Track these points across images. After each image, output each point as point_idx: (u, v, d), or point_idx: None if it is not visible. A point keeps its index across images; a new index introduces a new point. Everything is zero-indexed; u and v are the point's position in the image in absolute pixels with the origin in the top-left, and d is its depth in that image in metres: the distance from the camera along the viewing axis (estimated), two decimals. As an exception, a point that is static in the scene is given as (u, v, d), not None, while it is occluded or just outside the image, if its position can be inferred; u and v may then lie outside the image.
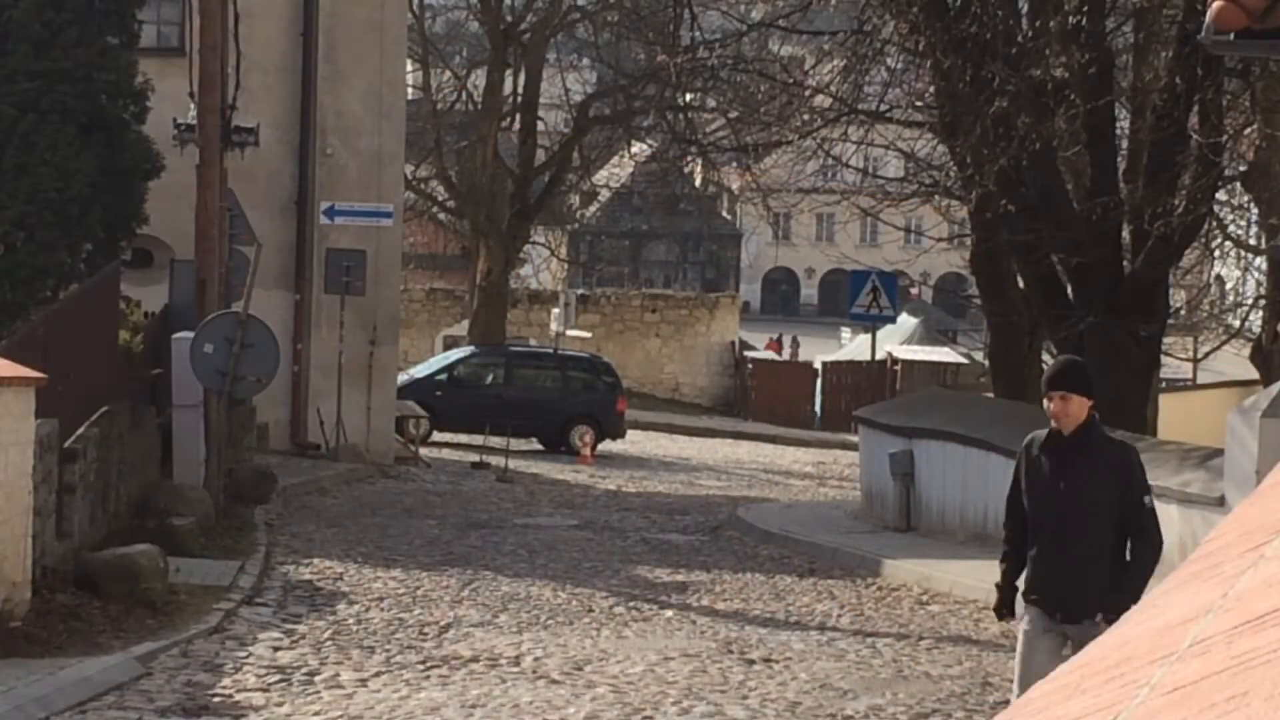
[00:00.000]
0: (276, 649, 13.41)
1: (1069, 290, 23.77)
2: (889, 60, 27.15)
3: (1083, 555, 8.90)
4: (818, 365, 51.48)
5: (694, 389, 53.00)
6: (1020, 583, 9.42)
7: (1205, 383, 37.94)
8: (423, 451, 31.96)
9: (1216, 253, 33.40)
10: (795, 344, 63.01)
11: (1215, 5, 7.75)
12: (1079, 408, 8.93)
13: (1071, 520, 8.92)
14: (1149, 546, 8.95)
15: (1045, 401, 9.00)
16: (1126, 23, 24.91)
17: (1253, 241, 32.21)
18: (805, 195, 32.13)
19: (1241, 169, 27.01)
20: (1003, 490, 23.19)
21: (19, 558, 13.19)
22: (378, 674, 12.63)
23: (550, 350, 40.61)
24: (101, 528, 16.62)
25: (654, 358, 52.92)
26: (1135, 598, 7.57)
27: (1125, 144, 24.33)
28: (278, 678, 12.38)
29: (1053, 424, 9.00)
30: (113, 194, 20.86)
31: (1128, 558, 9.00)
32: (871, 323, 31.65)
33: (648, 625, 15.25)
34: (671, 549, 21.16)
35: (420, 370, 38.91)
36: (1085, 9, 21.83)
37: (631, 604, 16.31)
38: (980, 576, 18.07)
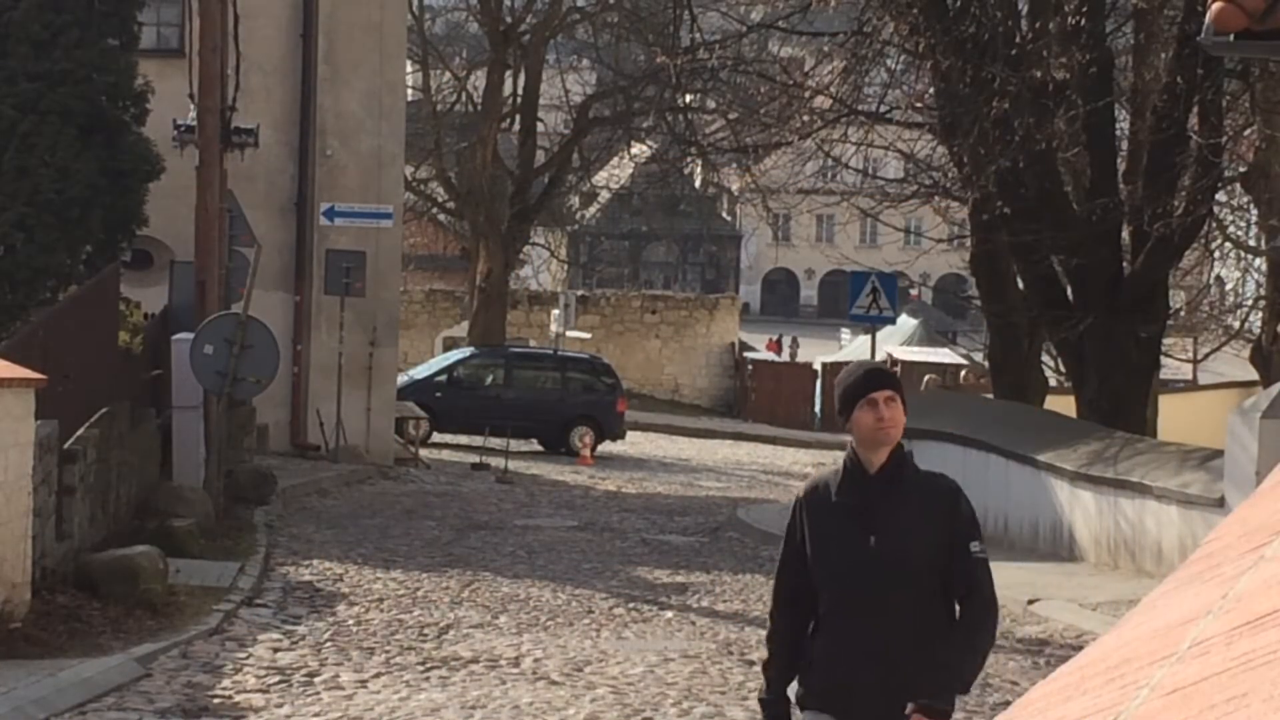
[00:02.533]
0: (276, 650, 13.41)
1: (1069, 291, 23.78)
2: (889, 61, 27.17)
3: (903, 636, 6.24)
4: (817, 366, 51.49)
5: (694, 390, 53.01)
6: (794, 691, 6.64)
7: (1205, 384, 37.94)
8: (422, 453, 31.96)
9: (1216, 254, 33.42)
10: (795, 345, 63.00)
11: (1215, 6, 7.75)
12: (902, 417, 6.36)
13: (887, 588, 6.25)
14: (983, 610, 6.36)
15: (859, 413, 6.29)
16: (1126, 24, 24.93)
17: (1252, 242, 32.22)
18: (805, 196, 32.13)
19: (1241, 170, 27.03)
20: (1003, 491, 23.29)
21: (19, 559, 13.19)
22: (377, 675, 12.63)
23: (550, 351, 40.62)
24: (101, 529, 16.62)
25: (654, 359, 52.94)
26: (967, 680, 6.42)
27: (1125, 145, 24.34)
28: (277, 679, 12.38)
29: (853, 457, 6.34)
30: (112, 195, 20.86)
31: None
32: (871, 324, 31.59)
33: (647, 626, 15.25)
34: (671, 550, 21.16)
35: (420, 371, 38.93)
36: (1085, 10, 21.84)
37: (631, 605, 16.31)
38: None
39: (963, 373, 45.33)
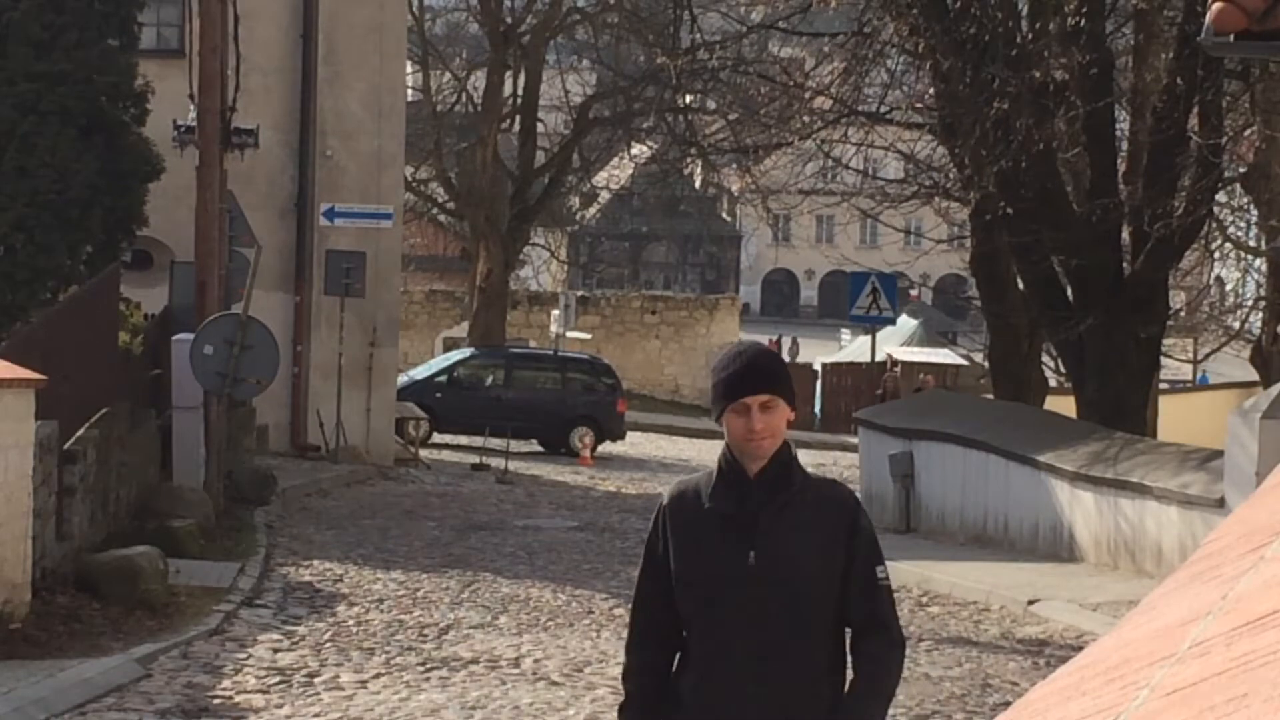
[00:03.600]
0: (276, 651, 13.41)
1: (1069, 292, 23.78)
2: (889, 62, 27.18)
3: (788, 675, 5.14)
4: (817, 367, 51.50)
5: (694, 390, 52.99)
6: None
7: (1205, 384, 37.94)
8: (422, 453, 31.96)
9: (1216, 254, 33.43)
10: (795, 346, 63.02)
11: (1215, 7, 7.75)
12: (782, 423, 5.24)
13: (770, 616, 5.11)
14: (889, 649, 5.23)
15: (729, 417, 5.17)
16: (1126, 24, 24.93)
17: (1252, 243, 32.23)
18: (805, 197, 32.14)
19: (1241, 170, 27.04)
20: (1003, 491, 23.29)
21: (19, 559, 13.19)
22: (377, 676, 12.63)
23: (550, 352, 40.63)
24: (101, 529, 16.62)
25: (654, 359, 52.95)
26: None
27: (1125, 146, 24.34)
28: (278, 679, 12.38)
29: (728, 457, 5.23)
30: (113, 196, 20.86)
31: (850, 669, 5.25)
32: (871, 324, 31.68)
33: (648, 627, 15.24)
34: (671, 551, 21.14)
35: (420, 372, 38.93)
36: (1085, 11, 21.84)
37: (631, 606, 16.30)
38: (980, 578, 18.08)
39: (934, 373, 45.28)
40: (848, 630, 5.25)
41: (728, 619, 5.16)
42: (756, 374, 5.20)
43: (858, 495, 5.45)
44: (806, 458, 34.62)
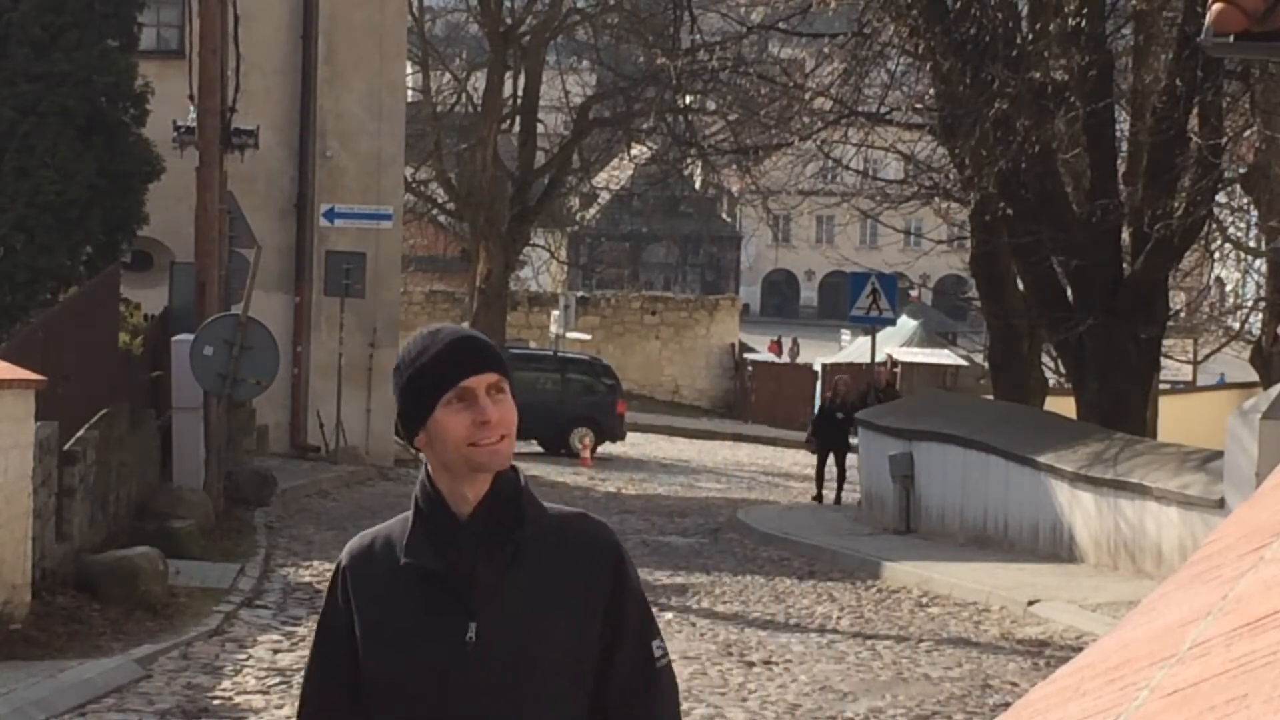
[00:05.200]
0: (276, 651, 13.40)
1: (1069, 292, 23.79)
2: (889, 63, 27.19)
3: None
4: (817, 367, 51.49)
5: (694, 391, 53.03)
6: None
7: (1205, 385, 37.96)
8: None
9: (1216, 255, 33.43)
10: (795, 346, 63.02)
11: (1215, 7, 7.76)
12: (514, 422, 3.69)
13: (496, 714, 3.57)
14: None
15: (443, 415, 3.63)
16: (1126, 25, 24.93)
17: (1252, 244, 32.23)
18: (805, 197, 32.16)
19: (1241, 171, 27.03)
20: (1003, 492, 23.29)
21: (19, 560, 13.19)
22: (377, 676, 12.62)
23: (550, 352, 40.65)
24: (101, 530, 16.62)
25: (654, 360, 52.95)
26: None
27: (1125, 146, 24.35)
28: (277, 680, 12.38)
29: (431, 493, 3.65)
30: (112, 196, 20.86)
31: None
32: (871, 325, 31.63)
33: (647, 628, 15.24)
34: (671, 551, 21.17)
35: (420, 373, 38.89)
36: (1085, 11, 21.85)
37: (631, 606, 16.30)
38: (980, 579, 18.08)
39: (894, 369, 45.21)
40: None
41: (434, 717, 3.54)
42: (473, 348, 3.69)
43: (618, 537, 3.71)
44: (806, 458, 33.96)
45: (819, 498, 28.35)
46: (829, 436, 28.73)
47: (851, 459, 28.01)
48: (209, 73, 21.06)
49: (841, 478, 28.18)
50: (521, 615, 3.54)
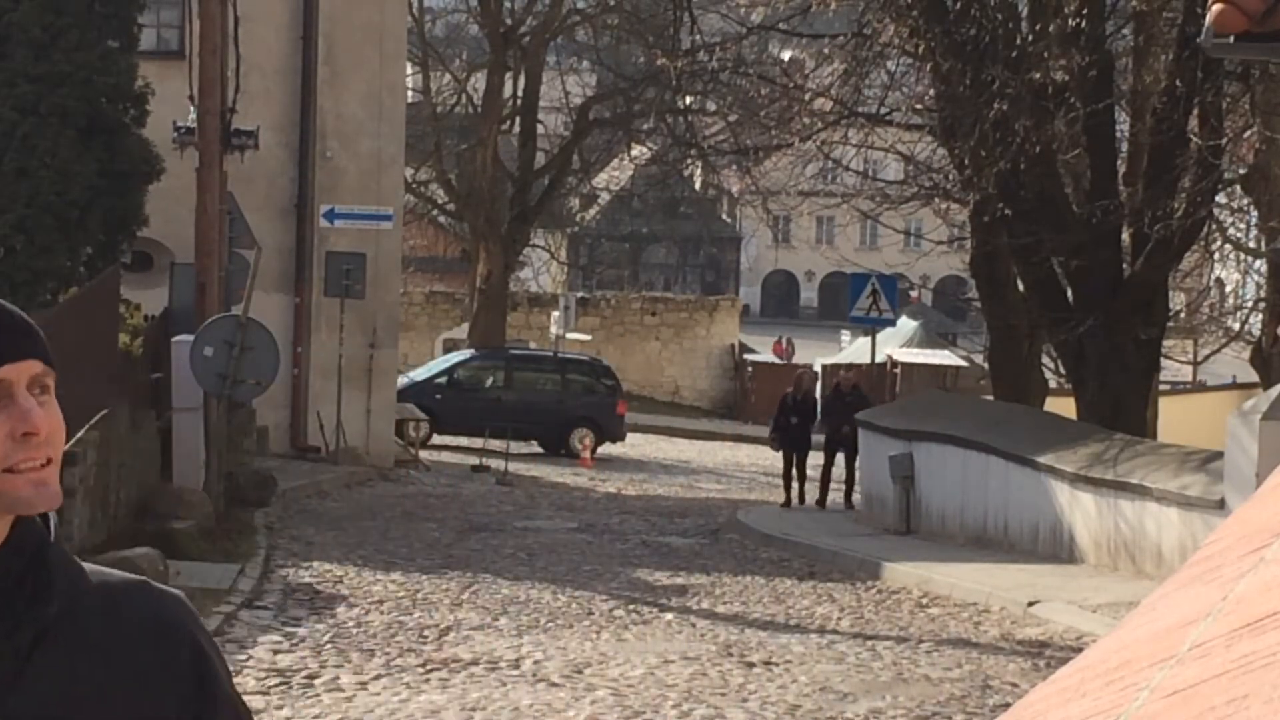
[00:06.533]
0: (276, 652, 13.41)
1: (1069, 293, 23.79)
2: (889, 63, 27.19)
3: None
4: (817, 368, 51.47)
5: (694, 392, 53.02)
6: None
7: (1216, 385, 37.95)
8: (422, 455, 31.96)
9: (1216, 255, 33.45)
10: (790, 346, 63.01)
11: (1215, 8, 7.75)
12: (62, 433, 2.35)
13: None
14: None
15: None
16: (1126, 26, 24.93)
17: (1252, 244, 32.23)
18: (805, 198, 32.17)
19: (1241, 172, 27.04)
20: (1004, 493, 23.33)
21: (19, 561, 13.18)
22: (377, 677, 12.63)
23: (550, 353, 40.65)
24: (101, 531, 16.62)
25: (654, 361, 52.95)
26: None
27: (1125, 147, 24.35)
28: (277, 681, 12.38)
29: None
30: (112, 197, 20.86)
31: None
32: (871, 326, 31.64)
33: (648, 628, 15.25)
34: (671, 552, 21.16)
35: (420, 373, 38.94)
36: (1085, 12, 21.85)
37: (631, 607, 16.31)
38: (980, 580, 18.08)
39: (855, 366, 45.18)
40: None
41: None
42: (13, 327, 2.35)
43: (197, 615, 2.53)
44: (809, 459, 33.68)
45: (788, 503, 26.84)
46: (789, 437, 27.55)
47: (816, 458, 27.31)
48: (209, 73, 21.07)
49: (850, 480, 27.22)
50: (53, 716, 2.31)
